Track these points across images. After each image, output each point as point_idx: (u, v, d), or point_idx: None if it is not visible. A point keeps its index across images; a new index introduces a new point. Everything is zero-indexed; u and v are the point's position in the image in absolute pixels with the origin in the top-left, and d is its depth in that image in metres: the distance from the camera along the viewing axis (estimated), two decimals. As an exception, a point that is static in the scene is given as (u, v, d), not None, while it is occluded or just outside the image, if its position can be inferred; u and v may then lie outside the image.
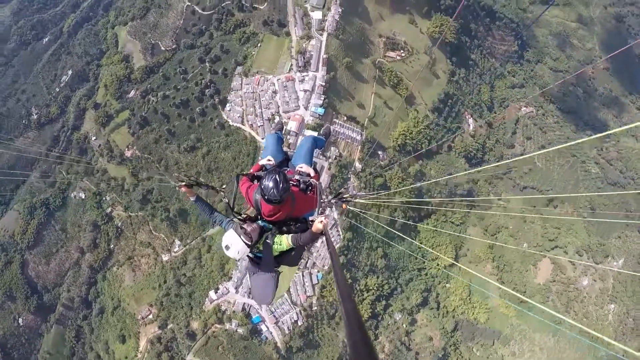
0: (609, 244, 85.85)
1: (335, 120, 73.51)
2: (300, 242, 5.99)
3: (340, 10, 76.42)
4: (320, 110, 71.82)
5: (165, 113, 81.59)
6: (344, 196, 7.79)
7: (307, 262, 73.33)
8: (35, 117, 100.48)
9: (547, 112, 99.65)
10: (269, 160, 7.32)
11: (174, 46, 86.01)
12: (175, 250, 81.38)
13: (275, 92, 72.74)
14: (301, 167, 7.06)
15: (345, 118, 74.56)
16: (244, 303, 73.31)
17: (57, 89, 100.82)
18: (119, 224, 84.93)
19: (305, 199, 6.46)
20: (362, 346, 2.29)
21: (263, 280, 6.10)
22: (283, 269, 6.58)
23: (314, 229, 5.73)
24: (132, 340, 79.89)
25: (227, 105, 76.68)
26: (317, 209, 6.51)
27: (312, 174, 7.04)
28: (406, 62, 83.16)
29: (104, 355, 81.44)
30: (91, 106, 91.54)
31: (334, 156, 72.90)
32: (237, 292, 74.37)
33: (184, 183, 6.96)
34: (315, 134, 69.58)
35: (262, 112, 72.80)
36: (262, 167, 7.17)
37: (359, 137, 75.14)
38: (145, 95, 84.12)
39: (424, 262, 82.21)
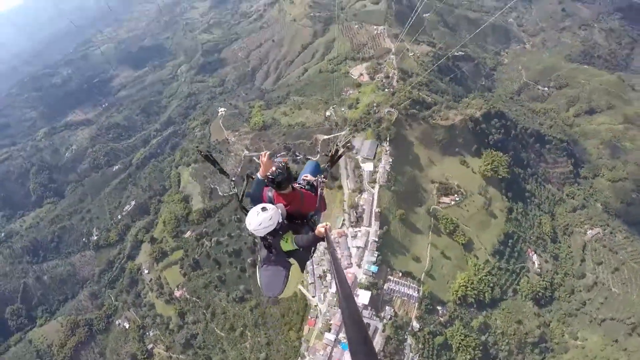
0: None
1: (389, 277, 69.39)
2: (302, 243, 6.93)
3: (390, 160, 77.14)
4: (374, 268, 68.45)
5: (217, 259, 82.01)
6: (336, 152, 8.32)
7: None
8: (95, 238, 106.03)
9: (615, 229, 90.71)
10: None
11: (231, 192, 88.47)
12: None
13: (327, 248, 70.69)
14: (306, 176, 8.75)
15: (400, 274, 70.23)
16: None
17: (119, 216, 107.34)
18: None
19: (311, 196, 8.05)
20: (363, 345, 2.48)
21: (274, 272, 7.08)
22: (293, 262, 7.39)
23: (316, 232, 6.64)
24: None
25: (279, 258, 75.23)
26: (318, 188, 8.12)
27: (311, 178, 8.62)
28: (461, 206, 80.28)
29: None
30: (148, 240, 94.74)
31: (389, 316, 67.17)
32: None
33: (201, 153, 7.85)
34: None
35: (313, 269, 70.48)
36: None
37: (415, 294, 69.60)
38: (200, 238, 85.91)
39: None
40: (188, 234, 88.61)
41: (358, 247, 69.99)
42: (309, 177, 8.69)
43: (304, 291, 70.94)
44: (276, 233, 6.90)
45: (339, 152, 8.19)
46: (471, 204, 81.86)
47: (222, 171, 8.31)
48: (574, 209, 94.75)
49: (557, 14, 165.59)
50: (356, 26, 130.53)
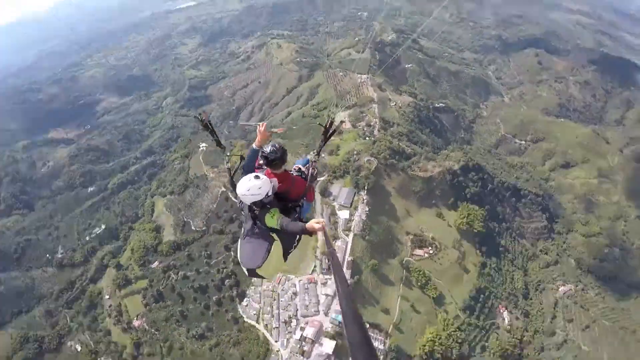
0: None
1: (356, 328, 67.89)
2: (287, 227, 6.81)
3: (367, 209, 77.30)
4: (341, 318, 66.87)
5: (181, 294, 79.11)
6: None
7: None
8: (59, 256, 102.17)
9: (587, 285, 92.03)
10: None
11: (203, 228, 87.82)
12: None
13: (295, 293, 69.63)
14: (298, 165, 9.28)
15: (367, 325, 68.85)
16: None
17: (87, 238, 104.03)
18: (107, 393, 75.78)
19: (301, 180, 8.54)
20: (363, 345, 2.42)
21: (256, 245, 7.11)
22: (276, 239, 7.33)
23: (308, 225, 6.42)
24: None
25: (245, 299, 73.63)
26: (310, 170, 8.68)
27: (302, 167, 9.16)
28: (434, 259, 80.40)
29: None
30: (114, 265, 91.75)
31: (353, 370, 65.28)
32: None
33: (202, 120, 8.00)
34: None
35: (279, 313, 68.70)
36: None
37: (381, 347, 68.18)
38: (166, 270, 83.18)
39: None
40: (155, 264, 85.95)
41: (327, 295, 68.75)
42: (301, 166, 9.19)
43: (267, 335, 68.72)
44: (264, 206, 7.10)
45: (334, 125, 8.19)
46: (445, 257, 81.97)
47: (219, 143, 8.56)
48: (547, 264, 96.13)
49: (534, 67, 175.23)
50: (340, 74, 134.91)
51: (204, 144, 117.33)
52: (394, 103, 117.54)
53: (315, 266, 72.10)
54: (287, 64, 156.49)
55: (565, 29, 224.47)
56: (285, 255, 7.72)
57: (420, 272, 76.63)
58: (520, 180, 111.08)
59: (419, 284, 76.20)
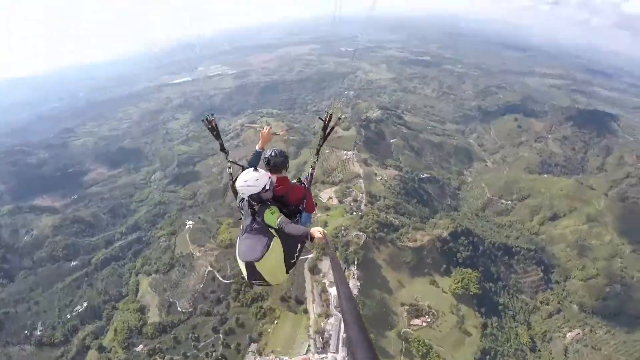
0: None
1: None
2: (286, 227, 6.69)
3: (358, 284, 78.89)
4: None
5: (169, 383, 75.58)
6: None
7: None
8: (39, 333, 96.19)
9: (594, 326, 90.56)
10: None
11: (190, 309, 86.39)
12: None
13: (291, 377, 68.43)
14: (299, 177, 9.48)
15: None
16: None
17: (69, 316, 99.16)
18: None
19: (299, 187, 8.69)
20: (363, 344, 2.47)
21: (255, 240, 6.80)
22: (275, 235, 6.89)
23: (311, 230, 6.27)
24: None
25: (238, 386, 71.51)
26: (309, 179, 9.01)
27: (302, 179, 9.39)
28: (433, 326, 79.57)
29: None
30: (96, 347, 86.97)
31: None
32: None
33: (209, 124, 8.70)
34: None
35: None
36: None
37: None
38: (152, 354, 79.45)
39: None
40: (140, 347, 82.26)
41: (323, 376, 67.67)
42: (300, 177, 9.41)
43: None
44: (263, 202, 7.20)
45: (333, 119, 8.09)
46: (444, 323, 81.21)
47: (222, 147, 9.03)
48: (549, 314, 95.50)
49: (513, 131, 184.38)
50: (327, 151, 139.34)
51: (190, 222, 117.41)
52: (380, 177, 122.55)
53: (309, 346, 70.62)
54: (275, 142, 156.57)
55: (541, 92, 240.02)
56: (288, 265, 7.16)
57: (420, 342, 75.22)
58: (511, 239, 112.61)
59: (420, 353, 74.29)
